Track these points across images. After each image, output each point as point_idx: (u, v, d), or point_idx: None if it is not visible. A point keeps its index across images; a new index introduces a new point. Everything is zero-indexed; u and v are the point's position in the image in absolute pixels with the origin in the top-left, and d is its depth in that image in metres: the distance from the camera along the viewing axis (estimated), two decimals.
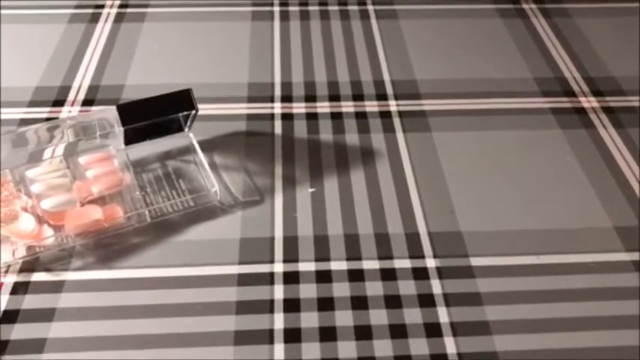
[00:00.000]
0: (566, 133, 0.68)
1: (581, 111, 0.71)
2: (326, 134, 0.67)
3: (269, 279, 0.53)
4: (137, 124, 0.57)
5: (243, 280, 0.53)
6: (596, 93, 0.74)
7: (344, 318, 0.50)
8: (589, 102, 0.72)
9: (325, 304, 0.51)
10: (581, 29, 0.85)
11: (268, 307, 0.51)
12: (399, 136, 0.67)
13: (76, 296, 0.51)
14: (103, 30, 0.81)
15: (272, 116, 0.69)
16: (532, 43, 0.82)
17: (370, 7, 0.88)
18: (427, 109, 0.71)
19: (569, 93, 0.74)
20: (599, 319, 0.51)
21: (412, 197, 0.60)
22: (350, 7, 0.87)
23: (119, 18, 0.83)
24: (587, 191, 0.62)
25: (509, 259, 0.55)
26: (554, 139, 0.67)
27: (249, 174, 0.62)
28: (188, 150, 0.64)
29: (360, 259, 0.55)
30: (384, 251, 0.55)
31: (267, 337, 0.49)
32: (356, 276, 0.53)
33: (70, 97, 0.71)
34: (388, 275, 0.53)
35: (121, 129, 0.57)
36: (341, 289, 0.52)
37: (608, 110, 0.71)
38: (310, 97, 0.72)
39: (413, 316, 0.50)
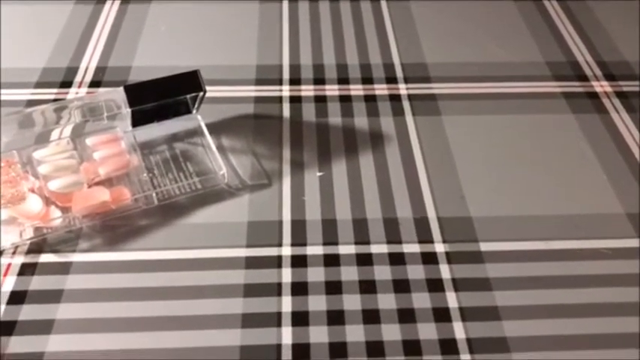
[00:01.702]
0: (578, 117, 0.67)
1: (594, 95, 0.70)
2: (335, 117, 0.66)
3: (277, 262, 0.52)
4: (145, 105, 0.57)
5: (251, 263, 0.52)
6: (609, 77, 0.73)
7: (352, 302, 0.50)
8: (602, 86, 0.71)
9: (333, 287, 0.51)
10: (594, 12, 0.83)
11: (276, 290, 0.50)
12: (409, 119, 0.66)
13: (84, 278, 0.51)
14: (110, 11, 0.80)
15: (280, 99, 0.68)
16: (544, 27, 0.80)
17: None
18: (437, 92, 0.70)
19: (582, 77, 0.73)
20: (610, 305, 0.50)
21: (421, 181, 0.60)
22: None
23: None
24: (599, 177, 0.61)
25: (519, 245, 0.55)
26: (566, 124, 0.67)
27: (257, 157, 0.62)
28: (196, 132, 0.63)
29: (368, 243, 0.54)
30: (393, 236, 0.55)
31: (274, 320, 0.48)
32: (364, 260, 0.53)
33: (78, 78, 0.70)
34: (397, 260, 0.53)
35: (129, 110, 0.57)
36: (349, 273, 0.52)
37: (621, 95, 0.70)
38: (319, 80, 0.71)
39: (421, 300, 0.50)
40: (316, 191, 0.59)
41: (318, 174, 0.60)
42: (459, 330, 0.48)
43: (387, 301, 0.50)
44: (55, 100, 0.67)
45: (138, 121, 0.60)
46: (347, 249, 0.54)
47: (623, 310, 0.50)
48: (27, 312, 0.49)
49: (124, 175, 0.58)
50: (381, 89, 0.70)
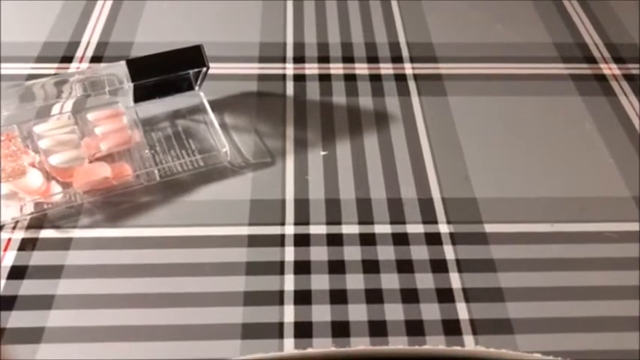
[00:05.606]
0: (585, 100, 0.66)
1: (602, 78, 0.69)
2: (339, 96, 0.66)
3: (279, 241, 0.52)
4: (147, 79, 0.56)
5: (254, 241, 0.52)
6: (618, 60, 0.72)
7: (355, 281, 0.49)
8: (610, 69, 0.70)
9: (336, 266, 0.50)
10: None
11: (279, 268, 0.50)
12: (414, 99, 0.66)
13: (84, 254, 0.51)
14: None
15: (284, 77, 0.68)
16: (552, 7, 0.79)
17: None
18: (443, 72, 0.69)
19: (590, 59, 0.72)
20: (614, 288, 0.50)
21: (426, 162, 0.59)
22: None
23: None
24: (605, 159, 0.60)
25: (524, 227, 0.54)
26: (573, 106, 0.66)
27: (260, 135, 0.61)
28: (198, 109, 0.63)
29: (372, 223, 0.54)
30: (397, 216, 0.54)
31: (277, 298, 0.48)
32: (367, 240, 0.52)
33: (79, 53, 0.69)
34: (400, 240, 0.53)
35: (131, 85, 0.56)
36: (352, 253, 0.51)
37: (629, 77, 0.69)
38: (323, 58, 0.70)
39: (425, 281, 0.50)
40: (320, 170, 0.58)
41: (322, 153, 0.60)
42: (462, 311, 0.48)
43: (390, 281, 0.50)
44: (56, 75, 0.66)
45: (140, 96, 0.59)
46: (350, 229, 0.53)
47: (627, 294, 0.50)
48: (27, 287, 0.48)
49: (126, 151, 0.58)
50: (386, 68, 0.69)
